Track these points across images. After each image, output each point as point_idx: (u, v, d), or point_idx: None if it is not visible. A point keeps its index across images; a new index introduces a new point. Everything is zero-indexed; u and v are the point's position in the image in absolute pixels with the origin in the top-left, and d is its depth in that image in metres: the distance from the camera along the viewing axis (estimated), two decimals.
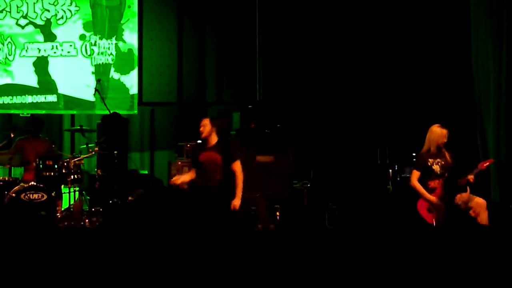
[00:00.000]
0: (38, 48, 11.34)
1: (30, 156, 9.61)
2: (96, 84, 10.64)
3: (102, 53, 11.46)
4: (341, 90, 11.38)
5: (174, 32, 11.83)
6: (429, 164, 8.31)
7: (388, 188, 10.15)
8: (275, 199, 9.67)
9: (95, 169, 9.78)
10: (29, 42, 11.32)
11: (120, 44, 11.51)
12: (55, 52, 11.37)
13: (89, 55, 11.44)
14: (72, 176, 9.24)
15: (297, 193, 10.04)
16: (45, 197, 8.94)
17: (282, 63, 11.60)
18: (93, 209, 9.20)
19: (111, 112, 10.39)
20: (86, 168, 10.47)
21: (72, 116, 11.57)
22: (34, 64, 11.32)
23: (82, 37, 11.44)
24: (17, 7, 11.32)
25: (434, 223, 8.17)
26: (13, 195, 8.89)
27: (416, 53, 11.16)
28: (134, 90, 11.52)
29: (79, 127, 10.25)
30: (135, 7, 11.56)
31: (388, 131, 11.07)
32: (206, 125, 8.13)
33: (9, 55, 11.26)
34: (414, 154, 8.98)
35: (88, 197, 9.83)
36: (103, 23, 11.50)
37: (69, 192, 9.29)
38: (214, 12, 11.86)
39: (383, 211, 9.89)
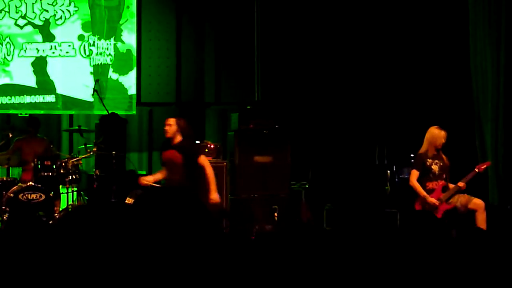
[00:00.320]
0: (36, 48, 11.33)
1: (28, 156, 9.61)
2: (95, 84, 10.65)
3: (100, 54, 11.46)
4: (339, 90, 11.38)
5: (173, 32, 11.83)
6: (428, 164, 8.30)
7: (386, 189, 10.15)
8: (273, 199, 9.68)
9: (93, 170, 9.78)
10: (28, 42, 11.32)
11: (119, 44, 11.51)
12: (53, 53, 11.36)
13: (87, 56, 11.43)
14: (70, 176, 9.23)
15: (295, 194, 10.05)
16: (43, 197, 8.93)
17: (281, 64, 11.60)
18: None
19: (110, 112, 10.39)
20: (84, 168, 10.46)
21: (71, 116, 11.57)
22: (33, 64, 11.31)
23: (81, 37, 11.44)
24: (16, 7, 11.31)
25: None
26: (11, 195, 8.88)
27: (414, 53, 11.15)
28: (132, 90, 11.52)
29: (77, 127, 10.25)
30: (133, 8, 11.55)
31: (387, 131, 11.07)
32: (171, 125, 8.20)
33: (8, 55, 11.25)
34: (412, 155, 8.98)
35: (86, 198, 9.83)
36: (102, 23, 11.50)
37: (67, 192, 9.29)
38: (212, 13, 11.85)
39: (381, 212, 9.90)
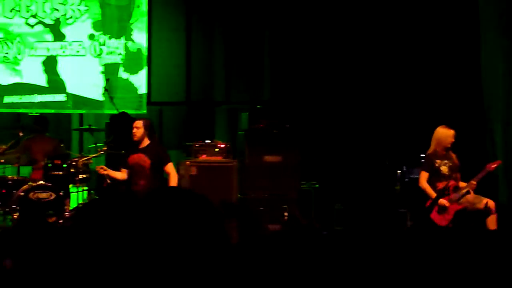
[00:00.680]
0: (47, 48, 11.36)
1: (37, 155, 9.63)
2: (106, 83, 10.65)
3: (111, 53, 11.48)
4: (349, 90, 11.36)
5: (183, 32, 11.84)
6: (437, 165, 8.26)
7: (396, 189, 10.13)
8: (283, 199, 9.67)
9: None
10: (38, 42, 11.35)
11: (129, 43, 11.53)
12: (64, 52, 11.39)
13: (98, 55, 11.45)
14: (80, 176, 9.26)
15: (305, 194, 10.03)
16: (53, 196, 8.94)
17: (291, 63, 11.59)
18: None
19: (120, 111, 10.40)
20: (94, 168, 10.48)
21: (81, 115, 11.59)
22: (43, 63, 11.34)
23: (91, 36, 11.46)
24: (27, 6, 11.34)
25: (444, 224, 8.14)
26: (21, 194, 8.91)
27: (425, 54, 11.13)
28: (142, 89, 11.53)
29: (87, 127, 10.27)
30: (144, 7, 11.56)
31: (397, 131, 11.05)
32: (139, 128, 8.12)
33: (18, 54, 11.29)
34: (422, 155, 8.95)
35: (97, 197, 9.85)
36: (112, 22, 11.52)
37: (77, 192, 9.30)
38: (222, 13, 11.85)
39: (391, 212, 9.88)
